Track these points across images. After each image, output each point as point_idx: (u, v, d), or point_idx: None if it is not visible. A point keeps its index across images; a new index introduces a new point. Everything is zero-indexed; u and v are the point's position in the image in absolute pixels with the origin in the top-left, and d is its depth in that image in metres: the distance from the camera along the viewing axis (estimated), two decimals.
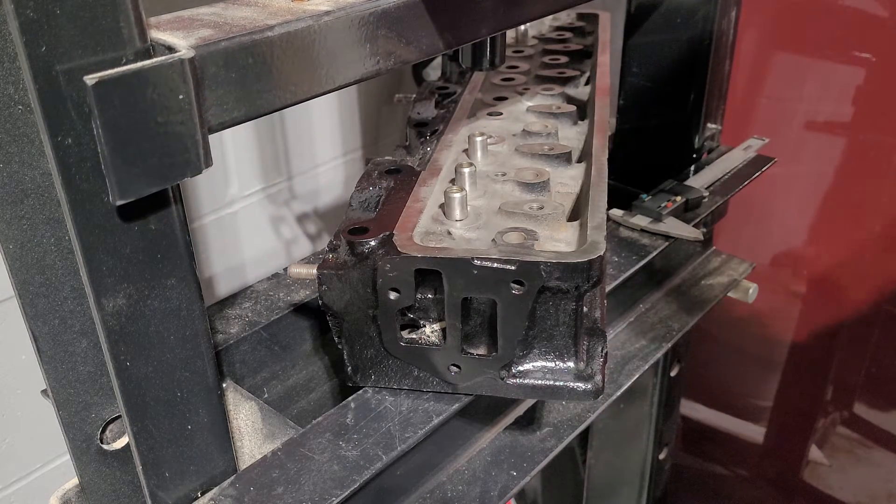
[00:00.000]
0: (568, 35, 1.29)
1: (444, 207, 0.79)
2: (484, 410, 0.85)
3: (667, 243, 1.07)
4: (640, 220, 1.09)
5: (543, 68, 1.16)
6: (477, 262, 0.68)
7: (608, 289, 0.95)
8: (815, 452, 1.84)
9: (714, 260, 1.27)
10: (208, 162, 0.51)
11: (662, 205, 1.10)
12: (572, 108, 1.03)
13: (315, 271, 0.77)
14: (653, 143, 1.25)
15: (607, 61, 1.11)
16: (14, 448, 1.13)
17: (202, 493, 0.67)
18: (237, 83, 0.51)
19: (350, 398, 0.78)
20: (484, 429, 0.87)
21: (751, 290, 1.24)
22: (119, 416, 0.65)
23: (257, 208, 1.34)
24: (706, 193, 1.14)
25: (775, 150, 1.27)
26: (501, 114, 1.04)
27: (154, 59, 0.47)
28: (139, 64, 0.46)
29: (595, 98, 1.00)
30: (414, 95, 1.11)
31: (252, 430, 0.78)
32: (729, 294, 1.22)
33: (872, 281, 1.62)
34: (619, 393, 0.96)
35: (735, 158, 1.25)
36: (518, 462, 0.86)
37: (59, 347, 0.60)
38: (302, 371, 0.97)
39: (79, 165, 0.49)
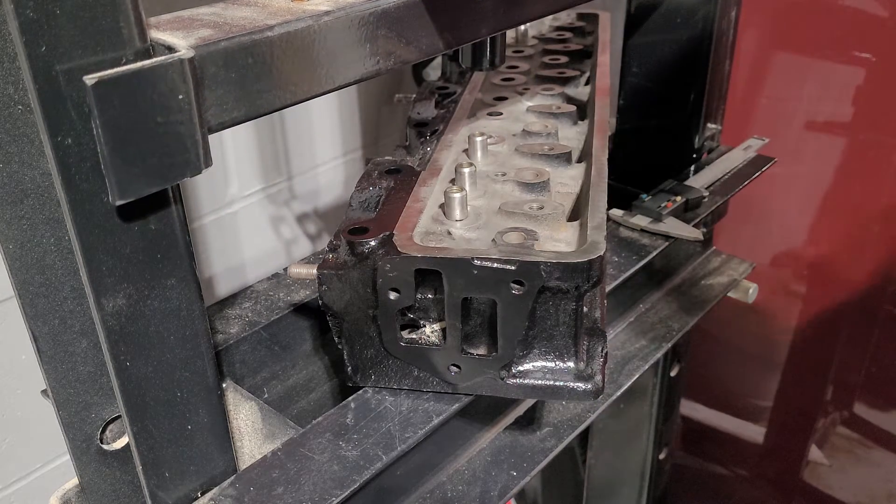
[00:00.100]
0: (568, 35, 1.29)
1: (444, 207, 0.79)
2: (484, 410, 0.85)
3: (667, 243, 1.07)
4: (640, 220, 1.09)
5: (543, 68, 1.16)
6: (477, 262, 0.68)
7: (608, 289, 0.95)
8: (815, 452, 1.84)
9: (714, 260, 1.27)
10: (208, 162, 0.51)
11: (662, 205, 1.10)
12: (572, 108, 1.03)
13: (315, 271, 0.77)
14: (653, 143, 1.25)
15: (607, 61, 1.11)
16: (14, 448, 1.12)
17: (202, 493, 0.67)
18: (237, 83, 0.51)
19: (350, 398, 0.78)
20: (484, 429, 0.87)
21: (751, 290, 1.24)
22: (119, 417, 0.65)
23: (257, 208, 1.34)
24: (706, 193, 1.14)
25: (775, 150, 1.27)
26: (501, 114, 1.03)
27: (154, 59, 0.47)
28: (139, 64, 0.46)
29: (595, 98, 1.00)
30: (414, 95, 1.11)
31: (252, 430, 0.78)
32: (729, 294, 1.22)
33: (872, 281, 1.62)
34: (619, 393, 0.96)
35: (735, 158, 1.25)
36: (518, 462, 0.86)
37: (59, 347, 0.60)
38: (302, 371, 0.97)
39: (79, 165, 0.49)
